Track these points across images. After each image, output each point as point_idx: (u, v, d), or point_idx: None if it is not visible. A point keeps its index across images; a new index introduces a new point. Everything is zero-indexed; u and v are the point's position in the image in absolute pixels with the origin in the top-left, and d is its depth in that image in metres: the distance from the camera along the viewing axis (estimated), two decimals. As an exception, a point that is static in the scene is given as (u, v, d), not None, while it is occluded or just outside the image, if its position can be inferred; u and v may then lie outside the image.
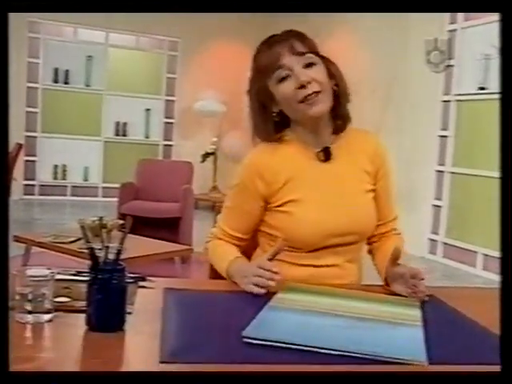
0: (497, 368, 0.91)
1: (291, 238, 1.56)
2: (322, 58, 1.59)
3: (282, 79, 1.54)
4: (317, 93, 1.52)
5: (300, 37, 1.58)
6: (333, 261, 1.60)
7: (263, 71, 1.58)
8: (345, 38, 7.46)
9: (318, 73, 1.54)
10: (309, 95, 1.52)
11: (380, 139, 1.72)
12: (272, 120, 1.62)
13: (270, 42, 1.58)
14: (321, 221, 1.57)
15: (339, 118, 1.63)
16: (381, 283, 1.56)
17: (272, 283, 1.36)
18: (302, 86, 1.52)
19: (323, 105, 1.55)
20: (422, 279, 1.43)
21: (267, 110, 1.61)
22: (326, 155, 1.61)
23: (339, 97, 1.60)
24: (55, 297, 1.14)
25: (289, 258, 1.59)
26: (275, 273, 1.36)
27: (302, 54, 1.54)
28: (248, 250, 1.70)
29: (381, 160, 1.69)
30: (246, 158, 1.64)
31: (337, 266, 1.61)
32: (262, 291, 1.36)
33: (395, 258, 1.47)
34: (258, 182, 1.59)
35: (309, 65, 1.54)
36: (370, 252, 1.76)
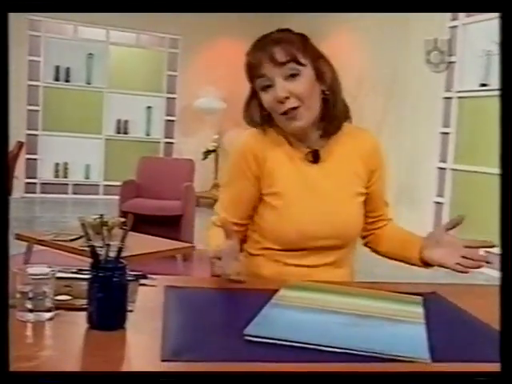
0: (499, 365, 0.91)
1: (272, 233, 1.58)
2: (314, 59, 1.53)
3: (264, 87, 1.52)
4: (295, 108, 1.50)
5: (283, 42, 1.50)
6: (314, 261, 1.59)
7: (249, 73, 1.55)
8: (345, 37, 7.46)
9: (299, 85, 1.49)
10: (287, 110, 1.50)
11: (381, 137, 1.71)
12: (259, 109, 1.58)
13: (256, 46, 1.53)
14: (303, 221, 1.56)
15: (329, 121, 1.59)
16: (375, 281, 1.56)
17: (220, 272, 1.35)
18: (281, 101, 1.49)
19: (303, 120, 1.52)
20: (484, 247, 1.45)
21: (257, 97, 1.58)
22: (315, 158, 1.60)
23: (329, 101, 1.56)
24: (56, 295, 1.14)
25: (270, 256, 1.60)
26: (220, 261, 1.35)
27: (283, 64, 1.49)
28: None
29: (377, 161, 1.66)
30: (238, 142, 1.64)
31: (318, 266, 1.59)
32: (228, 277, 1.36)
33: (455, 224, 1.47)
34: (251, 161, 1.58)
35: (291, 75, 1.49)
36: (368, 243, 1.75)
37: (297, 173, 1.59)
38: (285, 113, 1.51)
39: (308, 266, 1.59)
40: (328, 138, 1.61)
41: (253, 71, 1.53)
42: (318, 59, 1.55)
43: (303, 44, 1.53)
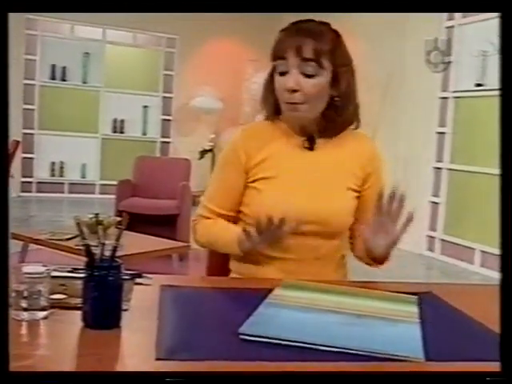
0: (494, 364, 0.91)
1: (255, 215, 1.53)
2: (336, 65, 1.54)
3: (281, 71, 1.54)
4: (300, 103, 1.53)
5: (316, 38, 1.51)
6: (299, 255, 1.58)
7: (273, 51, 1.57)
8: (343, 37, 7.45)
9: (313, 86, 1.52)
10: (291, 102, 1.53)
11: (377, 137, 1.71)
12: (274, 96, 1.61)
13: (291, 29, 1.55)
14: (285, 201, 1.56)
15: (331, 124, 1.61)
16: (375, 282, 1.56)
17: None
18: (289, 91, 1.52)
19: (304, 114, 1.56)
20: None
21: (273, 79, 1.60)
22: (310, 143, 1.62)
23: (338, 107, 1.58)
24: (51, 294, 1.13)
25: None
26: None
27: (306, 60, 1.51)
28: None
29: (373, 167, 1.67)
30: (230, 139, 1.68)
31: (304, 260, 1.58)
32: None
33: (380, 198, 1.46)
34: (241, 154, 1.61)
35: (308, 73, 1.51)
36: (351, 245, 1.73)
37: (290, 158, 1.62)
38: (288, 102, 1.54)
39: (293, 260, 1.57)
40: (327, 134, 1.63)
41: (277, 52, 1.55)
42: (340, 67, 1.56)
43: (334, 46, 1.55)
